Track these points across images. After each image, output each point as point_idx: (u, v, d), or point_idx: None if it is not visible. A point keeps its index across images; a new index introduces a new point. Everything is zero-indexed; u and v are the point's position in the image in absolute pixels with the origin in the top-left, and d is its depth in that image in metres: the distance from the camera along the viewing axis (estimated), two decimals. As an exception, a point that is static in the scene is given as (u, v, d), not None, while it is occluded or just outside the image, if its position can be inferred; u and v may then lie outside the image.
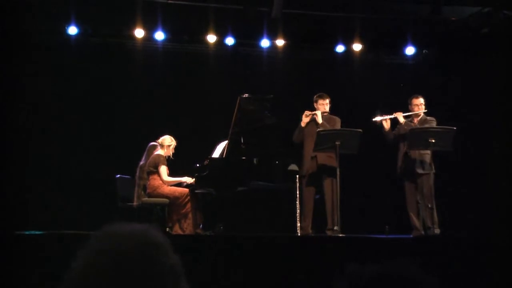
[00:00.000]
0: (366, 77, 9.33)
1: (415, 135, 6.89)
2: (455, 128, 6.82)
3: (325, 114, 7.40)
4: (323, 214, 7.24)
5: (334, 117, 7.44)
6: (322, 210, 7.25)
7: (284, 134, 7.41)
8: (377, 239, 6.38)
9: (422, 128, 7.01)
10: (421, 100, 7.30)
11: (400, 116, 7.24)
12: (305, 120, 7.36)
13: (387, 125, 7.28)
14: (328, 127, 7.19)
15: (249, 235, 6.81)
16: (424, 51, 9.53)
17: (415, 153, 7.10)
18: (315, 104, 7.45)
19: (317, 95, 7.50)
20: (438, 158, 7.19)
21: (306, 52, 9.40)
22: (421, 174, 7.03)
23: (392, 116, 7.27)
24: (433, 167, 7.01)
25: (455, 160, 7.99)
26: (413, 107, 7.31)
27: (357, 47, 9.25)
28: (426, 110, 7.27)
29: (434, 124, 7.12)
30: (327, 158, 7.16)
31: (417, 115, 7.28)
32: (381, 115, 7.32)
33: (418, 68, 9.51)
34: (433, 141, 6.72)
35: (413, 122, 7.27)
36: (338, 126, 7.32)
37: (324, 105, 7.39)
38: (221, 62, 9.30)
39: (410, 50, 9.39)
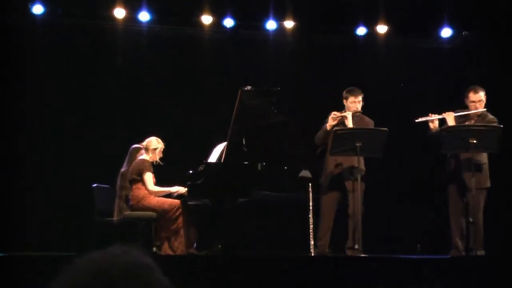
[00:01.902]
0: (393, 66, 9.34)
1: (451, 135, 6.85)
2: (502, 126, 6.82)
3: (357, 114, 7.30)
4: (340, 229, 7.25)
5: (367, 118, 7.35)
6: (340, 225, 7.25)
7: (294, 134, 7.42)
8: (406, 260, 6.39)
9: (460, 126, 6.96)
10: (480, 95, 7.01)
11: (451, 117, 7.01)
12: (331, 123, 7.23)
13: (433, 125, 7.06)
14: None
15: (253, 255, 6.83)
16: (464, 33, 9.52)
17: (466, 161, 6.92)
18: (344, 101, 7.35)
19: (347, 90, 7.35)
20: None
21: (320, 35, 9.41)
22: (471, 188, 6.82)
23: (439, 117, 7.04)
24: (488, 180, 6.96)
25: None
26: (469, 103, 7.07)
27: (381, 29, 9.27)
28: (485, 109, 7.03)
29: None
30: (353, 164, 7.12)
31: (475, 114, 7.05)
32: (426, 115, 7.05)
33: (456, 54, 9.51)
34: (475, 141, 6.67)
35: (469, 122, 7.06)
36: None
37: (356, 103, 7.26)
38: (218, 48, 9.33)
39: (446, 32, 9.40)
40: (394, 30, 9.32)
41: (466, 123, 7.05)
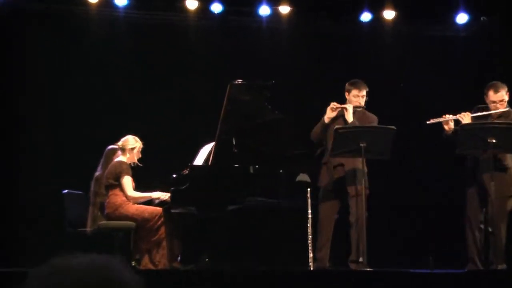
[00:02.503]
0: (401, 56, 9.36)
1: (468, 133, 6.83)
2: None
3: (359, 109, 7.32)
4: (343, 240, 7.26)
5: (370, 114, 7.37)
6: (342, 235, 7.26)
7: (291, 133, 7.43)
8: (417, 274, 6.40)
9: (477, 123, 6.95)
10: (502, 94, 6.96)
11: (467, 119, 6.95)
12: (330, 114, 7.28)
13: (448, 126, 7.04)
14: None
15: (244, 269, 6.82)
16: (482, 19, 9.54)
17: (487, 164, 6.86)
18: (346, 95, 7.37)
19: (351, 82, 7.37)
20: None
21: (320, 22, 9.43)
22: (491, 196, 6.79)
23: (454, 117, 7.01)
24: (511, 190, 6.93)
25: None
26: (489, 102, 7.03)
27: (389, 14, 9.29)
28: (507, 109, 6.99)
29: None
30: (355, 166, 7.13)
31: (496, 115, 7.01)
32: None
33: (472, 42, 9.54)
34: (494, 141, 6.67)
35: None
36: None
37: (359, 97, 7.28)
38: (205, 36, 9.33)
39: (462, 18, 9.42)
40: (402, 16, 9.35)
41: None
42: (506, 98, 7.03)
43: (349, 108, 7.21)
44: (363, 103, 7.33)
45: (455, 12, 9.35)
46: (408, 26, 9.48)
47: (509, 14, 9.16)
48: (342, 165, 7.24)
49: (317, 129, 7.38)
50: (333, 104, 7.26)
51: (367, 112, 7.38)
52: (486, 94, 7.08)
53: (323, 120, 7.32)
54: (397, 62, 9.32)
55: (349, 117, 7.19)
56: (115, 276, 1.32)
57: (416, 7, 9.34)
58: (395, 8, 9.24)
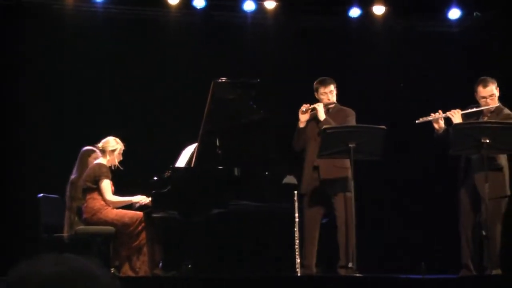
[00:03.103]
0: (392, 52, 9.40)
1: (461, 133, 6.88)
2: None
3: (332, 106, 7.43)
4: (332, 246, 7.28)
5: (346, 108, 7.48)
6: (332, 241, 7.29)
7: (276, 134, 7.45)
8: (409, 280, 6.42)
9: (471, 123, 6.99)
10: (491, 89, 6.98)
11: (457, 116, 7.00)
12: (302, 118, 7.37)
13: (438, 125, 7.06)
14: (333, 123, 7.20)
15: (229, 276, 6.84)
16: (475, 14, 9.59)
17: (479, 164, 6.90)
18: (315, 94, 7.49)
19: (317, 81, 7.51)
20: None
21: (307, 17, 9.45)
22: (484, 198, 6.79)
23: (444, 116, 7.05)
24: (506, 188, 6.97)
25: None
26: (479, 98, 7.07)
27: (378, 9, 9.32)
28: (498, 104, 7.02)
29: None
30: (333, 169, 7.20)
31: (487, 111, 7.06)
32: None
33: (466, 38, 9.59)
34: (488, 141, 6.70)
35: (482, 119, 7.06)
36: (351, 121, 7.36)
37: (327, 94, 7.41)
38: (187, 33, 9.33)
39: (454, 13, 9.46)
40: (393, 11, 9.38)
41: (485, 119, 7.05)
42: (496, 93, 7.06)
43: (319, 106, 7.29)
44: (333, 99, 7.43)
45: (448, 7, 9.39)
46: (399, 21, 9.51)
47: (502, 9, 9.21)
48: (318, 167, 7.26)
49: (295, 137, 7.46)
50: (303, 106, 7.36)
51: (343, 107, 7.47)
52: (475, 90, 7.10)
53: (298, 126, 7.39)
54: (388, 59, 9.34)
55: (321, 115, 7.27)
56: (87, 272, 1.35)
57: (407, 2, 9.38)
58: (385, 3, 9.27)
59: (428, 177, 8.89)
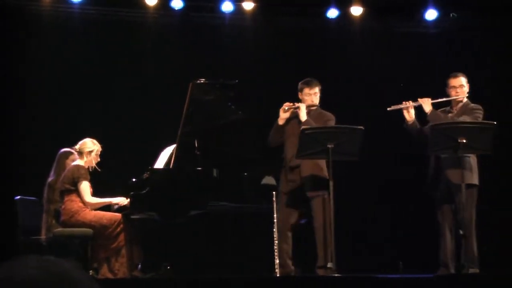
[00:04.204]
0: (369, 53, 9.43)
1: (438, 133, 6.94)
2: (495, 123, 6.92)
3: (314, 108, 7.46)
4: (311, 246, 7.30)
5: (326, 113, 7.49)
6: (311, 241, 7.31)
7: (255, 134, 7.47)
8: (388, 279, 6.46)
9: (448, 123, 7.06)
10: (460, 80, 7.25)
11: (427, 103, 7.21)
12: (283, 115, 7.41)
13: (409, 116, 7.25)
14: (314, 125, 7.22)
15: (208, 277, 6.84)
16: (452, 15, 9.65)
17: (448, 160, 7.10)
18: (299, 94, 7.50)
19: (302, 81, 7.53)
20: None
21: (285, 18, 9.48)
22: (456, 190, 6.98)
23: (415, 104, 7.23)
24: (475, 178, 7.08)
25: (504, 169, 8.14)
26: (450, 90, 7.29)
27: (356, 10, 9.36)
28: (467, 95, 7.24)
29: (479, 115, 7.10)
30: (315, 168, 7.24)
31: (455, 102, 7.25)
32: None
33: (443, 38, 9.65)
34: (464, 141, 6.77)
35: (452, 112, 7.27)
36: (330, 125, 7.36)
37: (311, 96, 7.43)
38: (165, 34, 9.33)
39: (431, 14, 9.52)
40: (370, 12, 9.42)
41: (449, 115, 7.21)
42: (466, 86, 7.26)
43: (302, 107, 7.33)
44: (316, 101, 7.46)
45: (424, 8, 9.45)
46: (376, 22, 9.56)
47: (478, 10, 9.27)
48: (298, 167, 7.29)
49: (272, 133, 7.47)
50: (286, 105, 7.39)
51: (324, 112, 7.50)
52: (447, 84, 7.33)
53: (277, 123, 7.41)
54: (365, 60, 9.38)
55: (303, 116, 7.30)
56: (67, 275, 1.36)
57: (384, 3, 9.42)
58: (362, 4, 9.31)
59: (406, 176, 8.92)
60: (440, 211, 7.24)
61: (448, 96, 7.31)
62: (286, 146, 7.41)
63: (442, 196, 7.21)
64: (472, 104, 7.23)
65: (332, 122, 7.39)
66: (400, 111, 7.29)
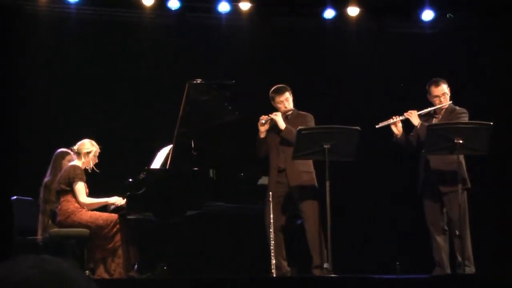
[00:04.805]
0: (366, 54, 9.44)
1: (434, 135, 6.96)
2: (491, 123, 6.93)
3: (290, 112, 7.45)
4: (306, 246, 7.30)
5: (304, 113, 7.49)
6: (305, 241, 7.30)
7: (252, 136, 7.47)
8: (384, 280, 6.46)
9: (445, 124, 7.08)
10: (443, 89, 7.27)
11: (414, 116, 7.22)
12: (262, 129, 7.39)
13: (397, 130, 7.29)
14: (294, 130, 7.15)
15: (204, 277, 6.84)
16: (448, 16, 9.66)
17: (437, 161, 7.14)
18: (272, 103, 7.49)
19: (272, 90, 7.51)
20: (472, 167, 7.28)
21: (282, 19, 9.48)
22: (446, 192, 7.06)
23: (403, 118, 7.26)
24: (466, 180, 7.10)
25: (496, 170, 8.13)
26: (433, 98, 7.32)
27: (353, 11, 9.36)
28: (451, 102, 7.29)
29: (465, 118, 7.17)
30: (300, 175, 7.25)
31: (441, 109, 7.29)
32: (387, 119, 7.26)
33: (439, 39, 9.65)
34: (461, 141, 6.78)
35: (436, 117, 7.32)
36: (311, 125, 7.37)
37: (283, 102, 7.42)
38: (162, 34, 9.32)
39: (428, 15, 9.52)
40: (367, 13, 9.42)
41: (434, 120, 7.27)
42: (448, 92, 7.29)
43: (278, 116, 7.32)
44: (290, 106, 7.44)
45: (421, 8, 9.45)
46: (372, 23, 9.56)
47: (475, 10, 9.28)
48: (283, 169, 7.29)
49: (257, 147, 7.47)
50: (262, 118, 7.37)
51: (300, 112, 7.50)
52: (428, 92, 7.35)
53: (259, 136, 7.41)
54: (361, 60, 9.38)
55: (281, 125, 7.30)
56: (64, 275, 1.37)
57: (380, 4, 9.42)
58: (359, 4, 9.31)
59: (402, 176, 8.93)
60: (433, 212, 7.26)
61: (431, 104, 7.33)
62: (271, 155, 7.39)
63: (431, 196, 7.24)
64: (458, 108, 7.29)
65: (312, 122, 7.41)
66: (388, 126, 7.29)
